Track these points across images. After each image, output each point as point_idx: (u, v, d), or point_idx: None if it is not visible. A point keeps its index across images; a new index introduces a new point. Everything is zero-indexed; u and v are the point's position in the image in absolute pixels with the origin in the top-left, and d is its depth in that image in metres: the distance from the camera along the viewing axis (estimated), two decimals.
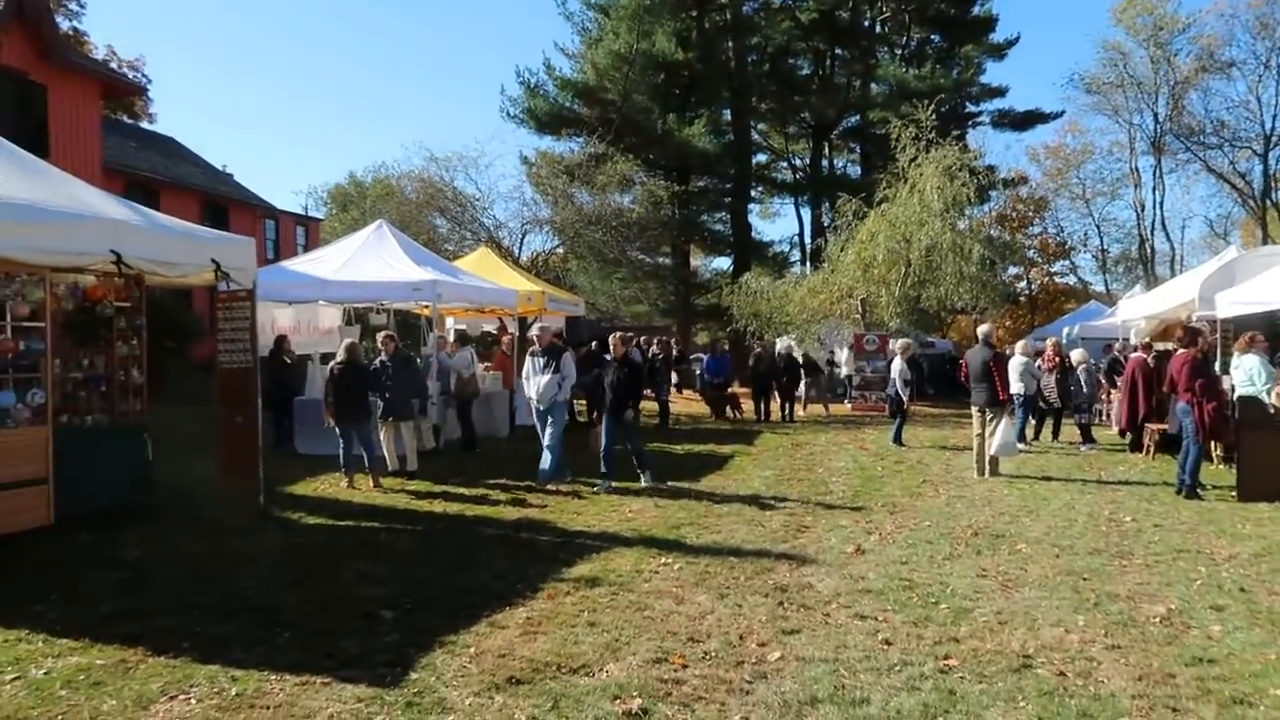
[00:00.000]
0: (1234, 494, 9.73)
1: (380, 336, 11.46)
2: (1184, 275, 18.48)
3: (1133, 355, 14.58)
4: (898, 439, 15.06)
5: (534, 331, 11.02)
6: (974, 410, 11.77)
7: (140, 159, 30.58)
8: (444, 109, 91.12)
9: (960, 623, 5.43)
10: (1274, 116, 43.03)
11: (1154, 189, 47.77)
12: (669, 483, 10.71)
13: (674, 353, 18.65)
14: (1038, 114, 41.82)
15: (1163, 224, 48.88)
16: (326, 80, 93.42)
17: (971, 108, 40.34)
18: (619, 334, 11.08)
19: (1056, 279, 52.16)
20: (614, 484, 10.43)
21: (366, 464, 10.31)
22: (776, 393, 20.68)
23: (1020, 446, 13.12)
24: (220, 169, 38.78)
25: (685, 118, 32.30)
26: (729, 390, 20.88)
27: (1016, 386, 13.61)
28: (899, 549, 7.41)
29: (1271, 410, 9.66)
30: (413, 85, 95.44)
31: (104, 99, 24.77)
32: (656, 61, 32.11)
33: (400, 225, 23.16)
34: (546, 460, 10.53)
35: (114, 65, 36.02)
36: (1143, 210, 48.52)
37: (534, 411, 10.74)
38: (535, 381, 10.50)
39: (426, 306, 13.04)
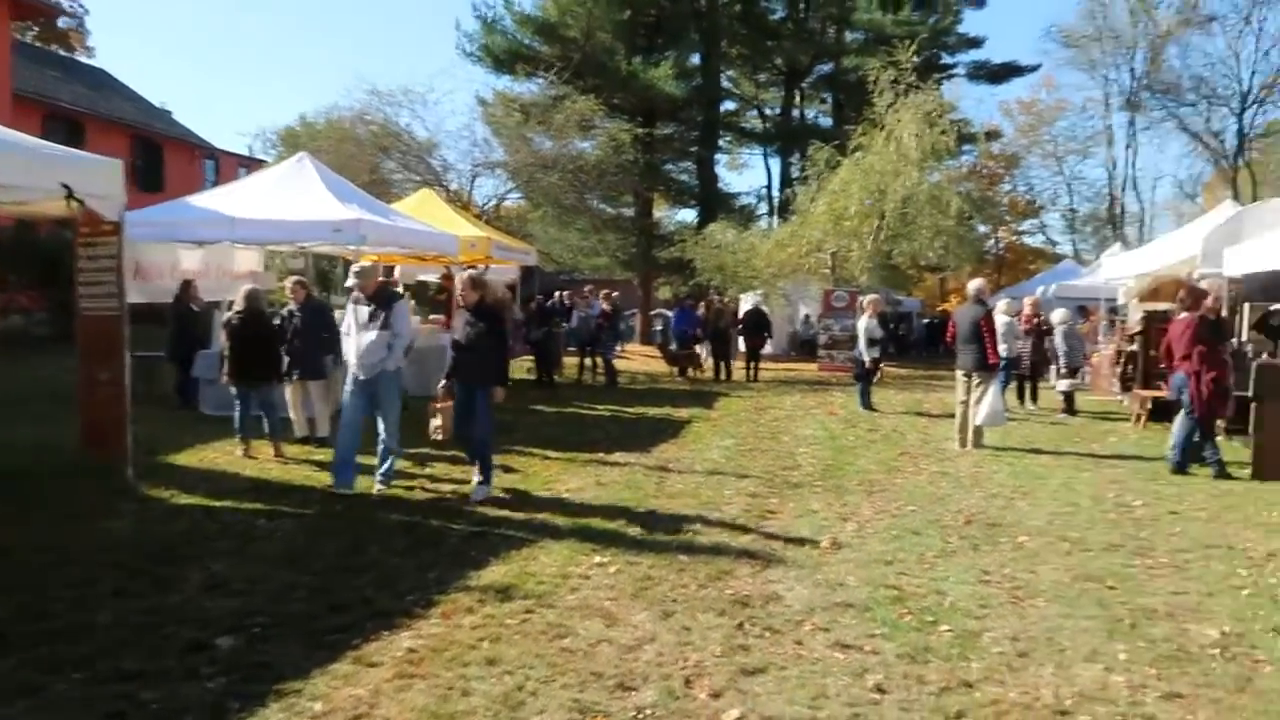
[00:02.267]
0: (1249, 472, 8.71)
1: (290, 282, 9.99)
2: (1181, 229, 17.42)
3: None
4: (866, 403, 13.93)
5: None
6: (959, 374, 10.60)
7: (64, 90, 28.31)
8: (399, 45, 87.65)
9: (969, 654, 4.23)
10: (1252, 74, 42.09)
11: (1127, 147, 46.91)
12: (616, 453, 9.46)
13: (616, 306, 17.25)
14: (1014, 67, 40.58)
15: (1134, 183, 48.18)
16: (280, 17, 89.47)
17: (947, 58, 38.90)
18: (469, 273, 7.81)
19: (1025, 238, 51.35)
20: (552, 455, 9.15)
21: (267, 428, 8.91)
22: (744, 350, 19.51)
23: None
24: (158, 106, 36.47)
25: (651, 59, 30.56)
26: (693, 348, 19.64)
27: (1001, 349, 12.47)
28: (881, 542, 6.21)
29: None
30: (365, 20, 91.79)
31: (13, 19, 22.64)
32: None
33: (348, 169, 21.46)
34: (381, 457, 7.53)
35: None
36: (1114, 169, 47.69)
37: (351, 382, 7.36)
38: (356, 341, 7.32)
39: (352, 250, 11.54)
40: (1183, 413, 9.13)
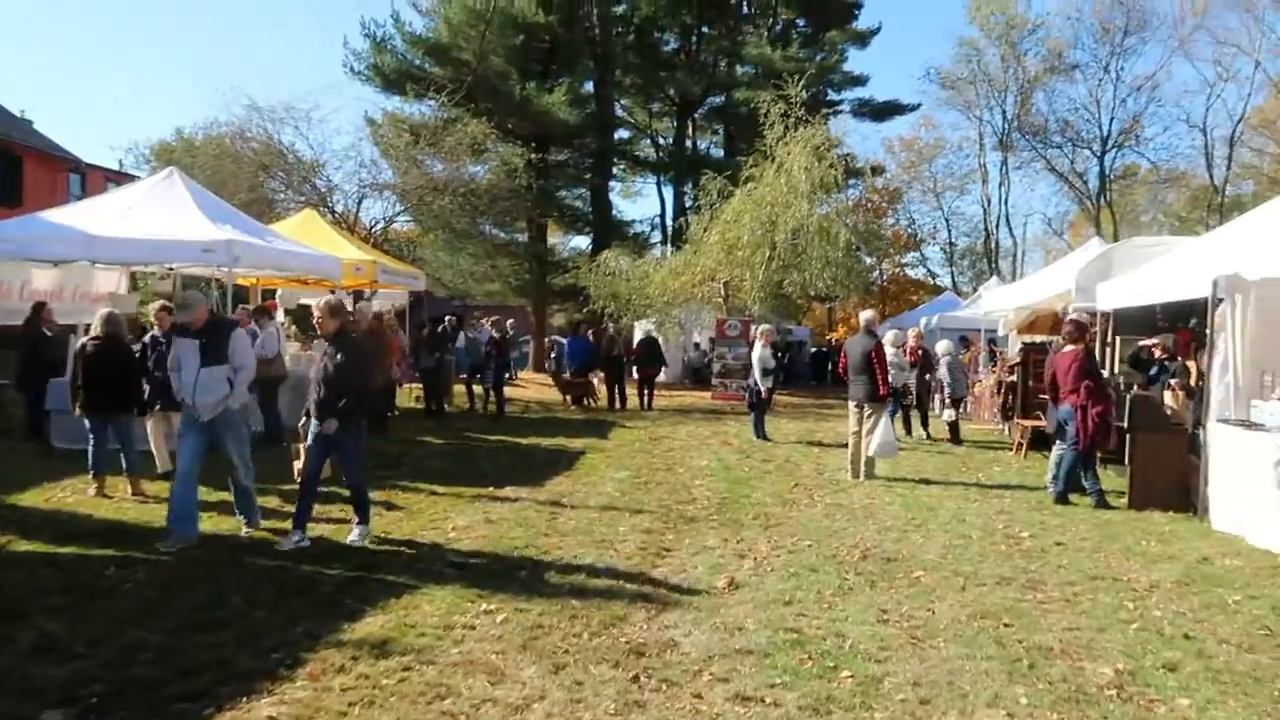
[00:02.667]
0: (1125, 501, 8.97)
1: (154, 307, 9.32)
2: (1056, 264, 18.16)
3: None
4: (760, 433, 13.94)
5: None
6: (851, 405, 10.65)
7: None
8: (283, 59, 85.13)
9: (872, 703, 4.08)
10: (1111, 119, 44.80)
11: (1000, 185, 49.16)
12: (507, 487, 9.11)
13: (505, 334, 16.86)
14: (896, 105, 42.13)
15: (1007, 220, 50.38)
16: (161, 30, 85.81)
17: (833, 95, 40.10)
18: (328, 299, 7.03)
19: (907, 270, 53.20)
20: (439, 490, 8.75)
21: (124, 464, 8.22)
22: (638, 379, 19.36)
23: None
24: (17, 115, 34.29)
25: (545, 85, 30.39)
26: (587, 376, 19.38)
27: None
28: (779, 580, 6.06)
29: (1168, 411, 8.88)
30: (248, 31, 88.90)
31: None
32: (515, 21, 30.00)
33: (228, 188, 20.44)
34: (241, 498, 6.97)
35: None
36: (989, 205, 49.93)
37: (186, 425, 6.70)
38: (187, 377, 6.58)
39: (224, 271, 10.87)
40: (1063, 444, 9.38)
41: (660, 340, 21.40)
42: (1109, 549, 7.15)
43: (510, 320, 19.97)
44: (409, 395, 17.06)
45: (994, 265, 48.52)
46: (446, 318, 17.68)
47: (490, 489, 9.03)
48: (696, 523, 7.85)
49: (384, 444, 11.38)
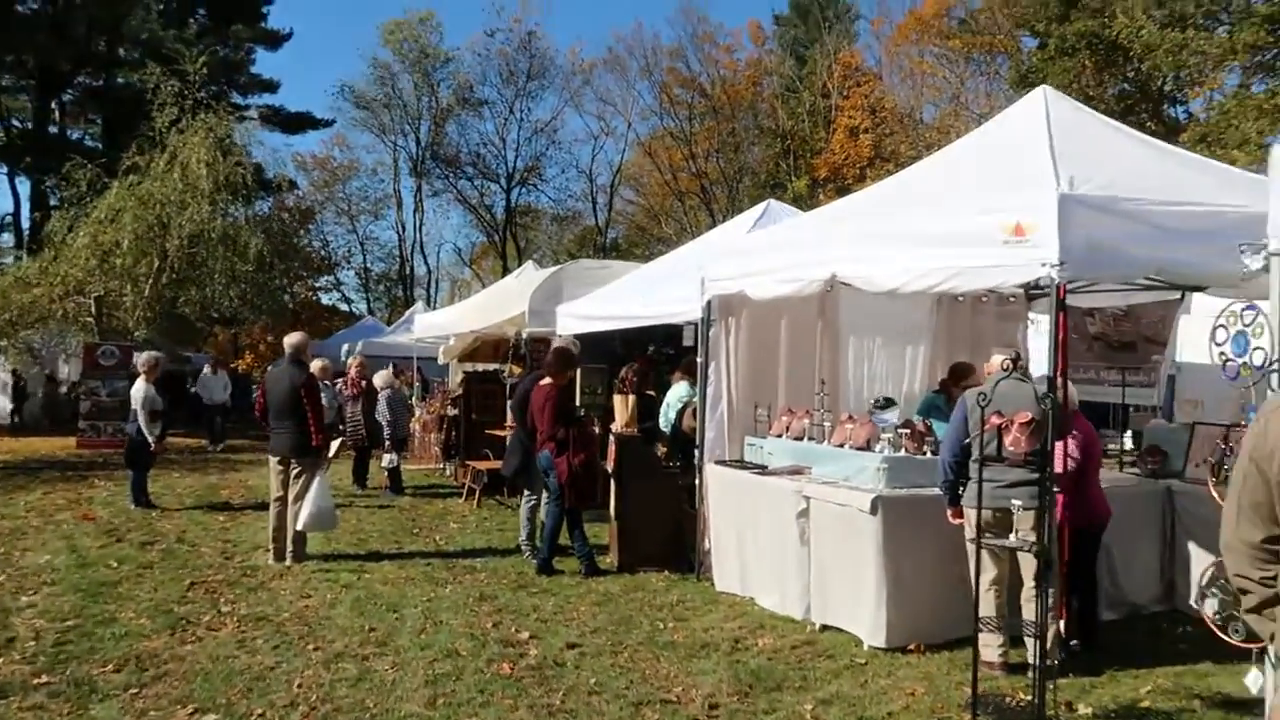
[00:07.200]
0: (609, 559, 7.66)
1: None
2: (495, 287, 17.07)
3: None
4: (141, 498, 10.33)
5: None
6: (273, 461, 7.89)
7: None
8: None
9: None
10: (516, 157, 47.15)
11: (415, 212, 48.86)
12: None
13: None
14: (309, 118, 39.61)
15: (421, 247, 50.26)
16: None
17: (239, 99, 35.80)
18: None
19: (321, 294, 50.10)
20: None
21: None
22: None
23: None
24: None
25: None
26: None
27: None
28: None
29: (658, 454, 7.76)
30: None
31: None
32: None
33: None
34: None
35: None
36: (404, 232, 49.35)
37: None
38: None
39: None
40: (532, 495, 7.85)
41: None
42: (630, 644, 5.54)
43: None
44: None
45: (409, 292, 48.02)
46: None
47: None
48: (6, 698, 4.51)
49: None
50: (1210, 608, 3.52)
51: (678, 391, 8.63)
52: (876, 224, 5.79)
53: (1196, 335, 7.65)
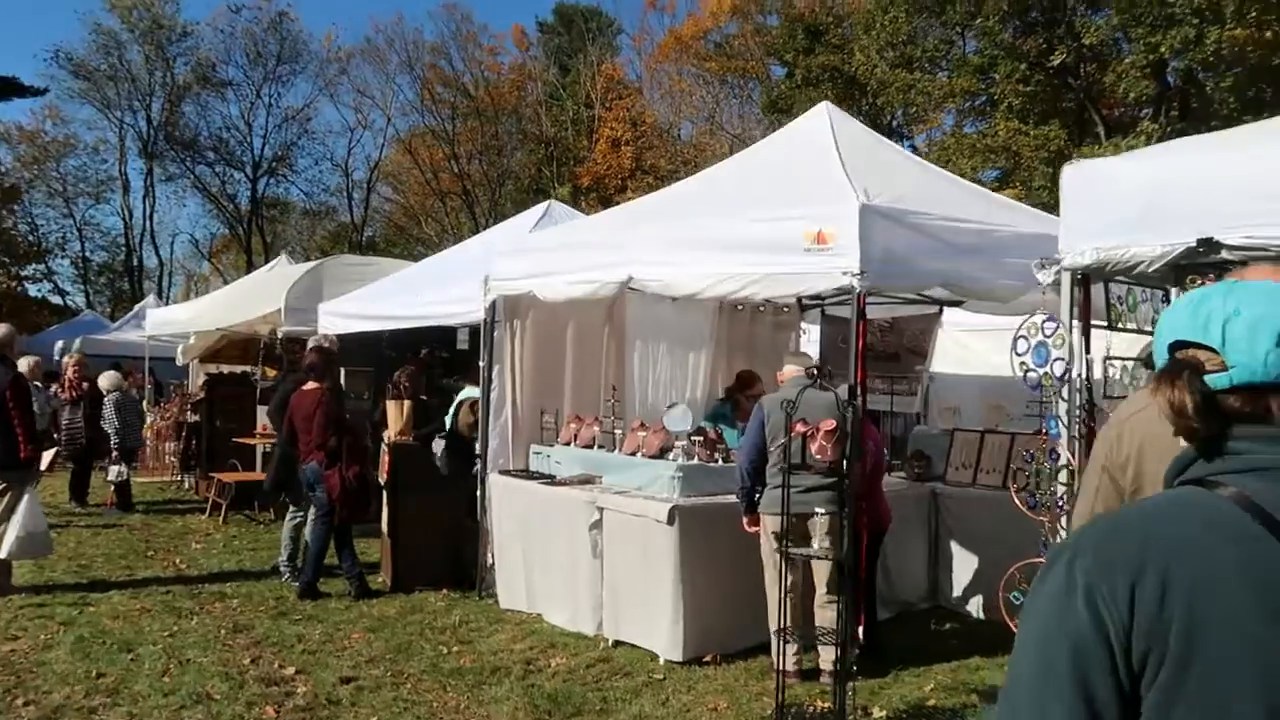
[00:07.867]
0: (381, 578, 7.10)
1: None
2: (241, 282, 15.62)
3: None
4: None
5: None
6: None
7: None
8: None
9: None
10: (264, 144, 43.96)
11: (145, 198, 44.27)
12: None
13: None
14: (16, 84, 34.77)
15: (153, 236, 45.65)
16: None
17: None
18: None
19: (29, 284, 44.13)
20: None
21: None
22: None
23: None
24: None
25: None
26: None
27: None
28: None
29: (439, 463, 7.24)
30: None
31: None
32: None
33: None
34: None
35: None
36: (132, 219, 44.62)
37: None
38: None
39: None
40: (298, 512, 7.15)
41: None
42: (412, 673, 5.07)
43: None
44: None
45: (138, 286, 43.42)
46: None
47: None
48: None
49: None
50: (1014, 608, 3.63)
51: (470, 394, 8.17)
52: (675, 227, 5.70)
53: (949, 346, 8.23)
